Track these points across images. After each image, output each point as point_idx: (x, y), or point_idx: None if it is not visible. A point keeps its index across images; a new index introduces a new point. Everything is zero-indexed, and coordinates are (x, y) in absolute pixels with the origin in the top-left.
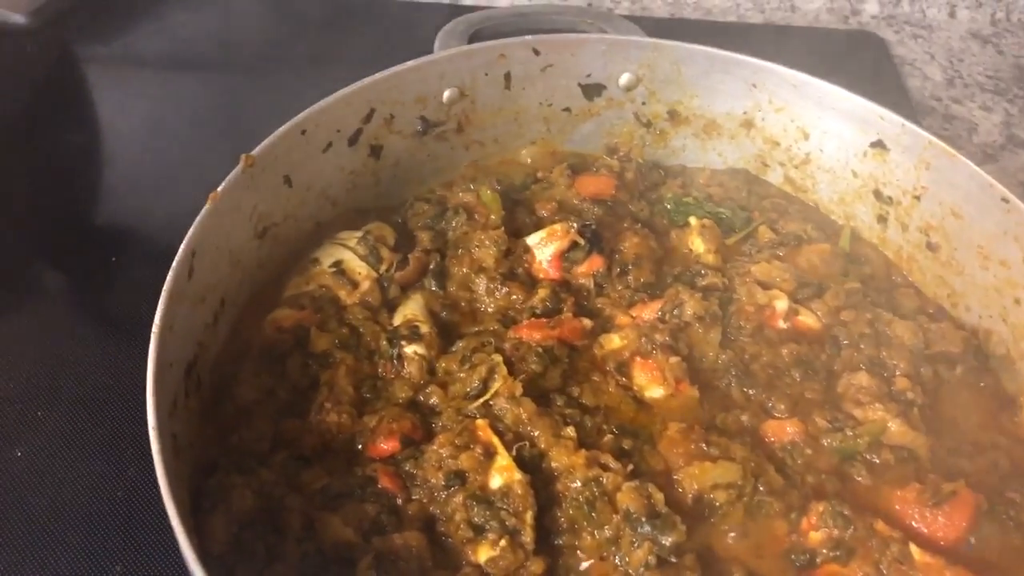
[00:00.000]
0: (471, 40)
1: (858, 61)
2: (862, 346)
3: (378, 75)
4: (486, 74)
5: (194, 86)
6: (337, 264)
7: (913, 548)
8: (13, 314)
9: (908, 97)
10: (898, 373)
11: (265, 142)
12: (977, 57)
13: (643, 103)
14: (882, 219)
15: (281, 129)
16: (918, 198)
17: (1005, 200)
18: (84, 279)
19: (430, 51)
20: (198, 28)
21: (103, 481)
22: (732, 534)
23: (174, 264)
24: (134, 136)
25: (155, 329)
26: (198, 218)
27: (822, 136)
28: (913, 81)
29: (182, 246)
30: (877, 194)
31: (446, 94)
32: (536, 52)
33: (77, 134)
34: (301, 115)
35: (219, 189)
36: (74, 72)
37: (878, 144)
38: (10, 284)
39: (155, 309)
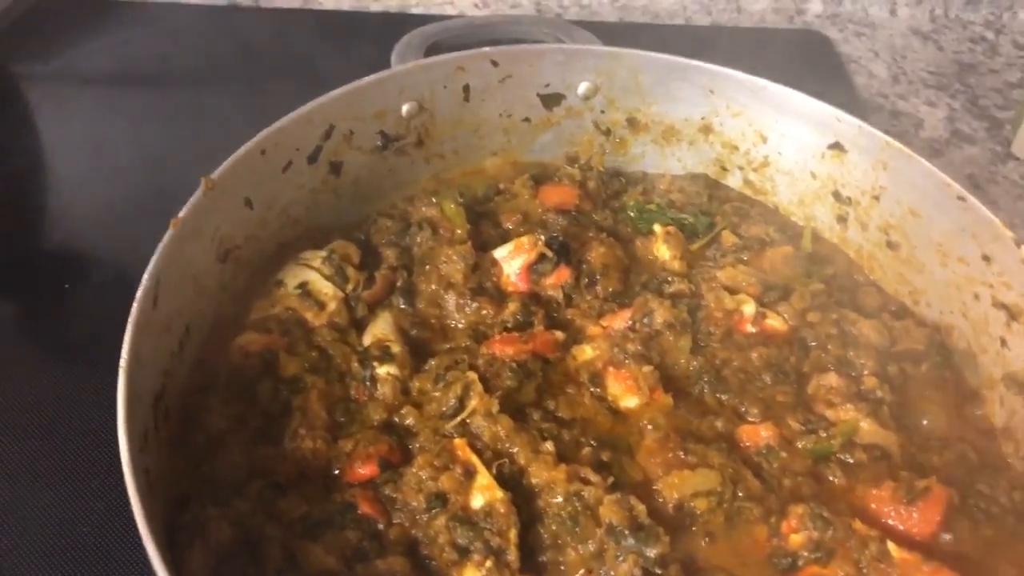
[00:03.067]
0: (428, 53)
1: (805, 60)
2: (829, 347)
3: (337, 91)
4: (445, 87)
5: (140, 104)
6: (303, 285)
7: (891, 545)
8: None
9: (856, 94)
10: (866, 372)
11: (225, 164)
12: (919, 53)
13: (602, 111)
14: (842, 219)
15: (241, 150)
16: (877, 198)
17: (961, 198)
18: (36, 307)
19: (383, 65)
20: (142, 45)
21: (69, 517)
22: (714, 542)
23: (139, 295)
24: (80, 157)
25: (123, 363)
26: (160, 245)
27: (780, 139)
28: (859, 79)
29: (146, 275)
30: (836, 195)
31: (405, 108)
32: (494, 64)
33: (18, 157)
34: (261, 135)
35: (180, 215)
36: (12, 92)
37: (836, 146)
38: None
39: (114, 335)
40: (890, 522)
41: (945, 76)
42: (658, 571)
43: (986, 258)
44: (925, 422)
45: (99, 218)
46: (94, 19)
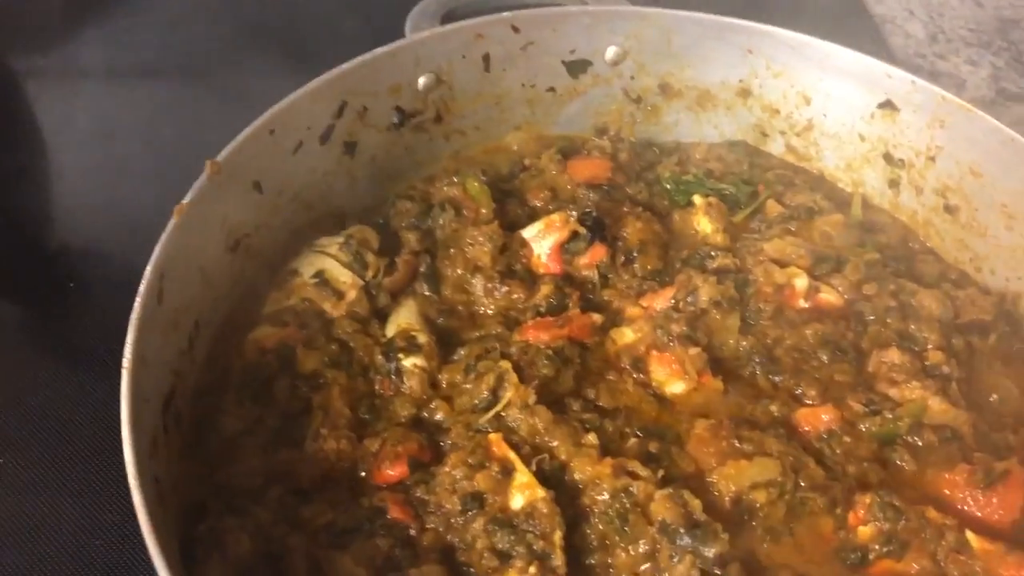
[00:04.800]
0: (444, 21)
1: (837, 22)
2: (889, 320)
3: (347, 65)
4: (463, 57)
5: (143, 95)
6: (319, 274)
7: (970, 535)
8: None
9: (892, 56)
10: (930, 346)
11: (231, 146)
12: (957, 11)
13: (632, 78)
14: (894, 183)
15: (247, 130)
16: (932, 159)
17: None
18: (40, 309)
19: (397, 35)
20: (143, 34)
21: (79, 530)
22: (776, 538)
23: (141, 289)
24: (83, 152)
25: (126, 363)
26: (164, 236)
27: (825, 100)
28: (895, 39)
29: (148, 268)
30: (887, 157)
31: (421, 81)
32: (515, 30)
33: (19, 153)
34: (267, 114)
35: (184, 201)
36: (10, 86)
37: (887, 104)
38: None
39: (122, 337)
40: (966, 509)
41: (986, 33)
42: (717, 572)
43: None
44: (997, 398)
45: (103, 213)
46: (92, 9)
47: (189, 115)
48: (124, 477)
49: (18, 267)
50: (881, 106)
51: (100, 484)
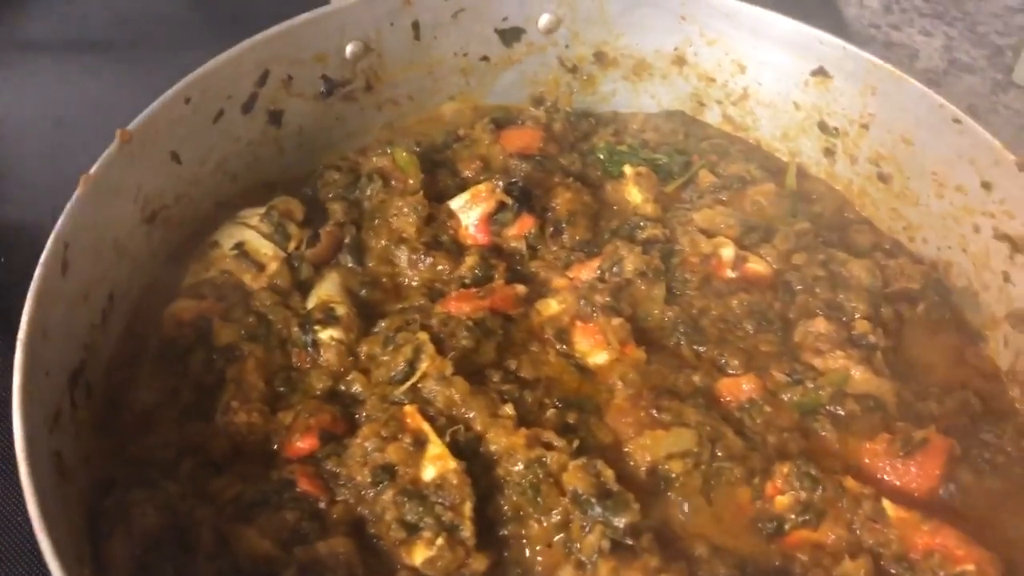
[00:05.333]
0: None
1: None
2: (817, 290)
3: (268, 31)
4: (391, 24)
5: (91, 70)
6: (239, 245)
7: (886, 503)
8: None
9: (846, 26)
10: (857, 316)
11: (143, 114)
12: None
13: (566, 46)
14: (829, 152)
15: (160, 99)
16: (866, 126)
17: (957, 121)
18: None
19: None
20: (92, 7)
21: (7, 507)
22: (691, 507)
23: (42, 259)
24: (27, 127)
25: (21, 336)
26: (68, 205)
27: (759, 67)
28: (850, 9)
29: (50, 238)
30: (822, 126)
31: (349, 49)
32: None
33: None
34: (182, 82)
35: (91, 170)
36: None
37: (819, 71)
38: None
39: None
40: (885, 478)
41: (941, 3)
42: (629, 542)
43: (986, 185)
44: (922, 368)
45: (45, 191)
46: None
47: (138, 90)
48: None
49: None
50: (814, 73)
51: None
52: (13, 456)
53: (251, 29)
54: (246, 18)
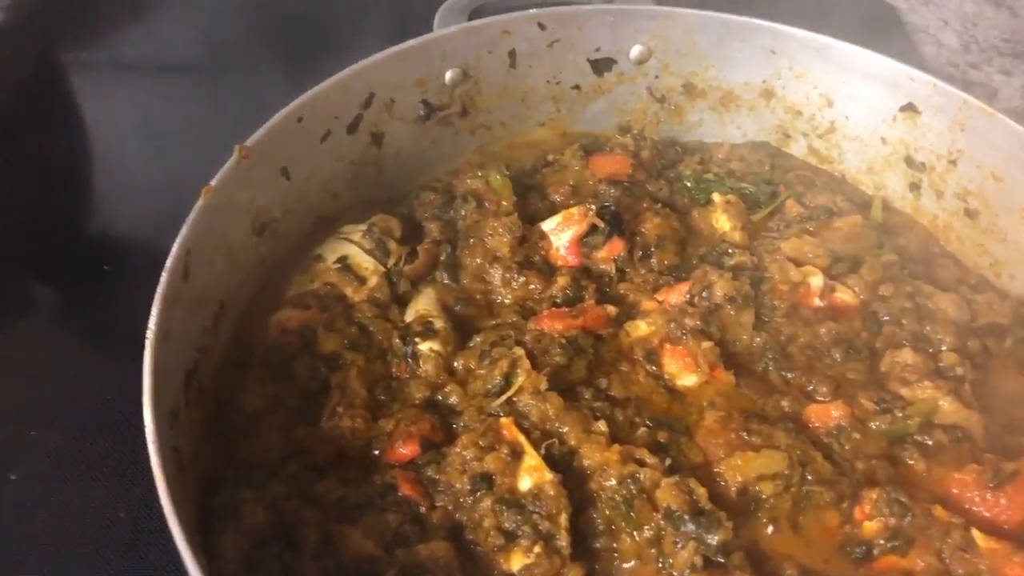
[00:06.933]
0: (471, 17)
1: (870, 30)
2: (904, 321)
3: (376, 56)
4: (490, 52)
5: (182, 89)
6: (342, 260)
7: (976, 533)
8: (1, 332)
9: (924, 65)
10: (944, 348)
11: (260, 131)
12: (992, 20)
13: (656, 76)
14: (915, 187)
15: (276, 117)
16: (954, 162)
17: None
18: (75, 292)
19: (429, 32)
20: (183, 29)
21: (106, 503)
22: (781, 528)
23: (167, 264)
24: (123, 142)
25: (150, 335)
26: (191, 214)
27: (847, 102)
28: (928, 48)
29: (175, 245)
30: (909, 160)
31: (448, 75)
32: (542, 27)
33: (61, 140)
34: (296, 101)
35: (213, 182)
36: (56, 78)
37: (908, 107)
38: None
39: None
40: (975, 509)
41: (1021, 43)
42: (720, 559)
43: None
44: (1010, 401)
45: (140, 202)
46: (134, 4)
47: (226, 108)
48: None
49: (56, 251)
50: (903, 109)
51: (127, 460)
52: (105, 459)
53: (329, 48)
54: (326, 41)
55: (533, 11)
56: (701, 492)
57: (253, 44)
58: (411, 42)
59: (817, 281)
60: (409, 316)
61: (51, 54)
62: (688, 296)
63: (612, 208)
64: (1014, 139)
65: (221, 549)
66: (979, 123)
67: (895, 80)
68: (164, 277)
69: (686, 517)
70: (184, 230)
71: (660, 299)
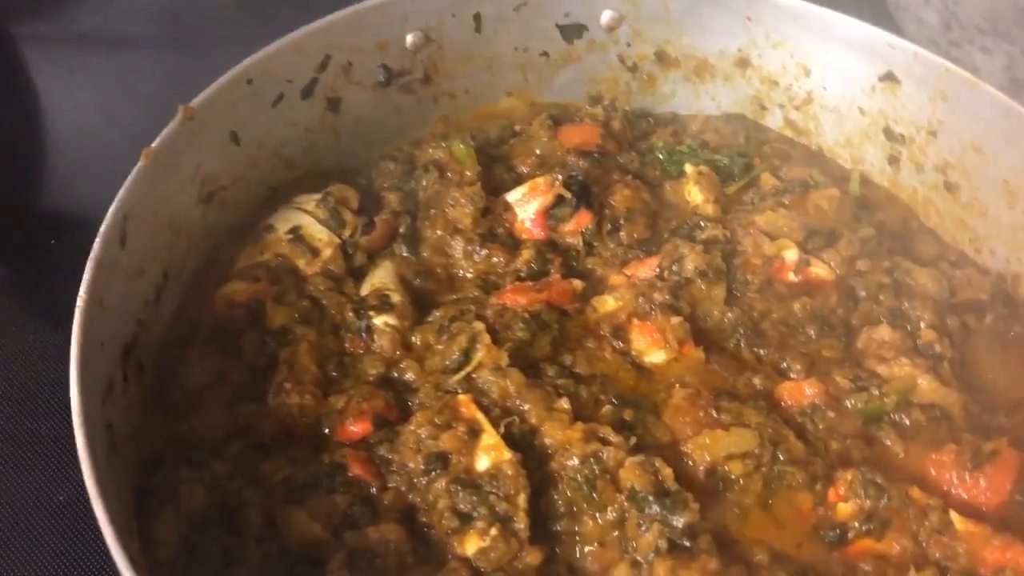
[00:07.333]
0: None
1: (849, 6)
2: (881, 297)
3: (332, 16)
4: (453, 15)
5: (140, 64)
6: (295, 230)
7: (954, 515)
8: None
9: None
10: (923, 325)
11: (206, 92)
12: None
13: (628, 44)
14: (894, 160)
15: (223, 78)
16: (934, 134)
17: None
18: (21, 266)
19: None
20: (142, 3)
21: (43, 484)
22: (751, 511)
23: (102, 229)
24: (78, 117)
25: (80, 302)
26: (129, 177)
27: (825, 71)
28: (909, 26)
29: (111, 209)
30: (888, 132)
31: (410, 38)
32: None
33: (14, 115)
34: (245, 62)
35: (153, 145)
36: (9, 51)
37: (888, 76)
38: None
39: None
40: (952, 490)
41: (1002, 22)
42: (686, 543)
43: None
44: (990, 379)
45: (93, 178)
46: None
47: (184, 81)
48: None
49: (3, 226)
50: (882, 78)
51: (68, 440)
52: (45, 438)
53: (287, 29)
54: (285, 18)
55: None
56: (667, 472)
57: (211, 16)
58: (370, 2)
59: (792, 255)
60: (365, 290)
61: (3, 26)
62: (658, 270)
63: (580, 179)
64: (997, 108)
65: (157, 532)
66: (961, 92)
67: (874, 48)
68: (98, 241)
69: (651, 498)
70: (121, 193)
71: (629, 273)
